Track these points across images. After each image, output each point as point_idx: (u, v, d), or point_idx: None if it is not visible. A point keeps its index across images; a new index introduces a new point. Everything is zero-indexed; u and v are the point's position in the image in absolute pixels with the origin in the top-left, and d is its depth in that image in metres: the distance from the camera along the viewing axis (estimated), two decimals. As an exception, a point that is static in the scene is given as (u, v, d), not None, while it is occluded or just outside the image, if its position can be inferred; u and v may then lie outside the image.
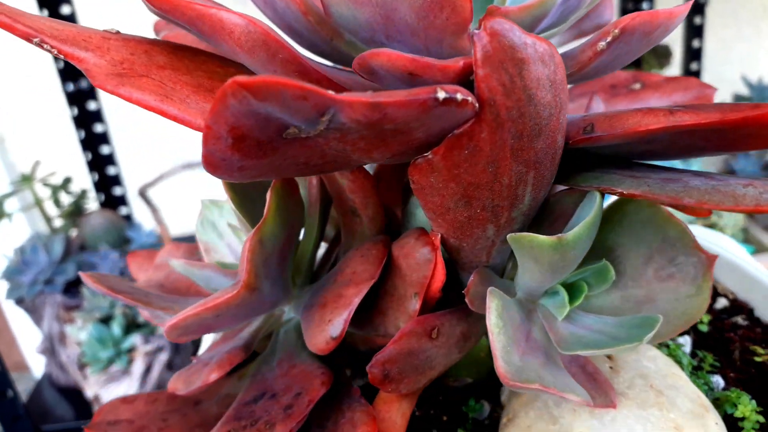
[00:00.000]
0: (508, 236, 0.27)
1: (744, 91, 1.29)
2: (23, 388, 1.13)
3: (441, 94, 0.20)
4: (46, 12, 1.12)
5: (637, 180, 0.27)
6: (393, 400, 0.31)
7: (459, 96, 0.21)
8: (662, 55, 1.11)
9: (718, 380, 0.37)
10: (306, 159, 0.23)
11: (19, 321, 1.48)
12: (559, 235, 0.26)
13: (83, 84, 1.18)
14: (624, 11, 1.26)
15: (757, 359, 0.38)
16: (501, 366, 0.26)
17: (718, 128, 0.23)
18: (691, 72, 1.25)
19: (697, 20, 1.18)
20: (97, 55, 0.24)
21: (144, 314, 0.37)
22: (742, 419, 0.34)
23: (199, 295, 0.37)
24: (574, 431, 0.29)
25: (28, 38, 0.23)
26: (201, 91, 0.24)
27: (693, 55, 1.22)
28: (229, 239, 0.38)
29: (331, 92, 0.18)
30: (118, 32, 0.27)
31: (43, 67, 1.30)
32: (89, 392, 0.99)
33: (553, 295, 0.31)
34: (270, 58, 0.23)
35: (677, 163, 1.03)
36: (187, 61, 0.26)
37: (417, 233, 0.30)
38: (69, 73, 1.15)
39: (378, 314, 0.31)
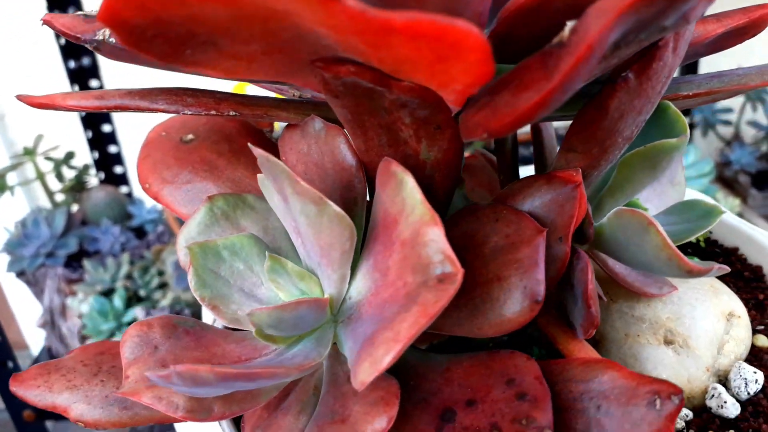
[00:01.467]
0: (627, 156, 0.30)
1: (741, 82, 1.30)
2: (21, 365, 1.13)
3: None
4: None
5: (689, 84, 0.32)
6: (578, 343, 0.31)
7: None
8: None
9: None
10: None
11: (18, 299, 1.48)
12: (679, 136, 0.30)
13: (85, 62, 1.18)
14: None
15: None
16: (629, 278, 0.34)
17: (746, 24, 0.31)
18: (689, 64, 1.26)
19: (697, 10, 1.20)
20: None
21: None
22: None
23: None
24: (662, 318, 0.35)
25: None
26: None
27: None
28: (241, 283, 0.31)
29: None
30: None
31: (45, 44, 1.30)
32: (89, 365, 1.00)
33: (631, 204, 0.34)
34: None
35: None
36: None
37: (542, 178, 0.29)
38: (71, 50, 1.16)
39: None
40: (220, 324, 0.34)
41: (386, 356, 0.21)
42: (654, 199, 0.37)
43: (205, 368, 0.23)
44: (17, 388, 0.32)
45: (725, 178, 1.30)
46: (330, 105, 0.27)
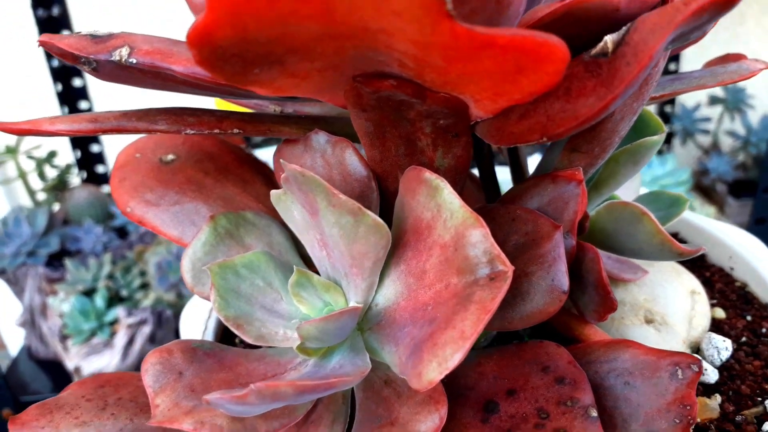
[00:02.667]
0: (617, 152, 0.32)
1: (719, 92, 1.33)
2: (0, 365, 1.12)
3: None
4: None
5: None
6: (588, 326, 0.33)
7: None
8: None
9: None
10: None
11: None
12: (660, 133, 0.33)
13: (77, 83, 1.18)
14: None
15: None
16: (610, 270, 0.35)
17: None
18: (669, 72, 1.28)
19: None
20: None
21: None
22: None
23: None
24: (640, 300, 0.38)
25: None
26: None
27: (670, 57, 1.26)
28: (262, 300, 0.31)
29: None
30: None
31: (28, 43, 1.30)
32: (70, 364, 0.99)
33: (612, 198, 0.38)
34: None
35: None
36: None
37: (548, 178, 0.31)
38: (63, 73, 1.15)
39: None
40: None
41: (455, 354, 0.22)
42: (620, 192, 0.40)
43: (284, 384, 0.23)
44: (18, 429, 0.30)
45: (703, 187, 1.33)
46: (352, 117, 0.28)
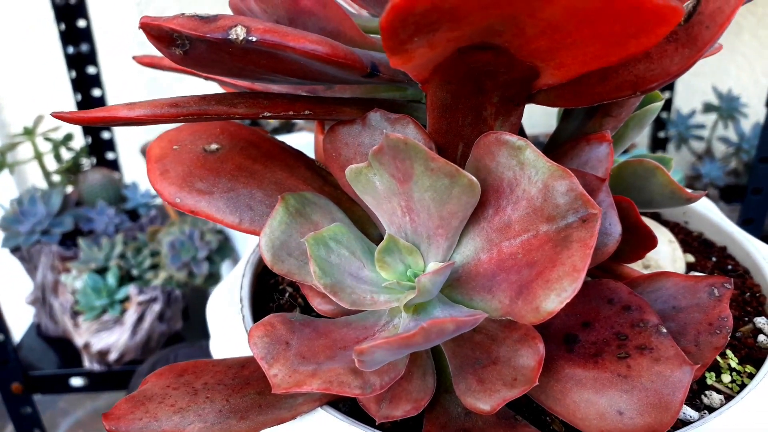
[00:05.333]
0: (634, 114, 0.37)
1: (714, 100, 1.37)
2: None
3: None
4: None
5: None
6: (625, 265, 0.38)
7: None
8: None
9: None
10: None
11: (3, 279, 1.50)
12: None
13: (84, 48, 1.21)
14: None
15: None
16: None
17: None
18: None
19: (675, 30, 1.26)
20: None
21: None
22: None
23: (350, 348, 0.32)
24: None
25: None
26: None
27: (664, 87, 1.30)
28: (349, 268, 0.33)
29: None
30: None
31: (44, 29, 1.33)
32: (79, 340, 1.02)
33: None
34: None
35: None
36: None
37: (584, 139, 0.35)
38: (70, 36, 1.18)
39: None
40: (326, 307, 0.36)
41: (572, 285, 0.26)
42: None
43: (448, 320, 0.26)
44: (115, 425, 0.31)
45: (695, 191, 1.37)
46: (432, 91, 0.30)
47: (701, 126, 1.37)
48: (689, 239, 0.53)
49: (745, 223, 1.05)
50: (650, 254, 0.43)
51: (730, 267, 0.48)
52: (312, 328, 0.33)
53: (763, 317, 0.41)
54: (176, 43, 0.28)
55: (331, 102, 0.34)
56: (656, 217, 0.56)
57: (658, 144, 1.38)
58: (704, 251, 0.51)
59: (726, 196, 1.31)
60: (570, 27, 0.24)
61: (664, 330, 0.30)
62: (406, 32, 0.23)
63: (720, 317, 0.31)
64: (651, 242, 0.35)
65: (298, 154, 0.41)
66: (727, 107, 1.35)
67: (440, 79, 0.30)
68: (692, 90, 1.47)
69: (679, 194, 0.38)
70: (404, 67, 0.27)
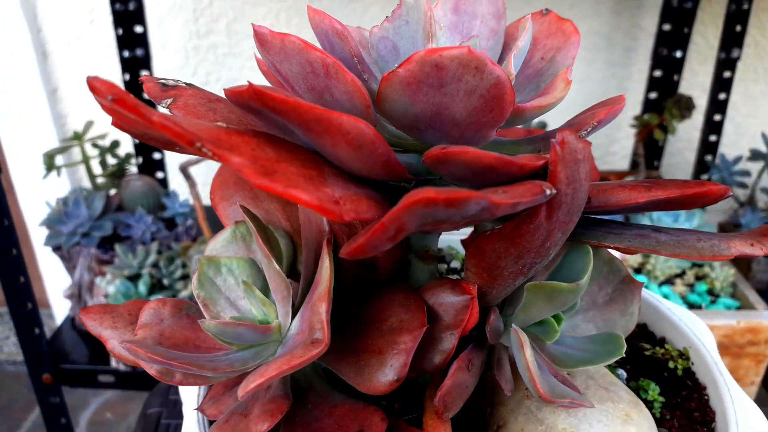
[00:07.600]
0: (530, 285, 0.34)
1: (762, 147, 1.34)
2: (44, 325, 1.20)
3: (548, 191, 0.28)
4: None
5: (618, 236, 0.36)
6: (439, 426, 0.36)
7: (553, 191, 0.28)
8: (685, 106, 1.17)
9: (622, 372, 0.47)
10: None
11: (48, 265, 1.57)
12: (576, 282, 0.34)
13: (138, 52, 1.25)
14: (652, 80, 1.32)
15: (646, 353, 0.50)
16: (542, 388, 0.34)
17: (678, 198, 0.32)
18: (714, 123, 1.30)
19: (727, 74, 1.23)
20: (243, 156, 0.26)
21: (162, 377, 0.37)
22: (652, 402, 0.45)
23: (203, 350, 0.39)
24: (558, 428, 0.37)
25: (191, 144, 0.25)
26: (310, 180, 0.27)
27: (718, 106, 1.27)
28: (228, 293, 0.40)
29: (489, 195, 0.25)
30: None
31: (102, 32, 1.38)
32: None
33: (542, 323, 0.38)
34: (371, 152, 0.28)
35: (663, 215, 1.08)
36: (288, 153, 0.29)
37: (450, 284, 0.36)
38: (126, 40, 1.22)
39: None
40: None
41: (270, 371, 0.30)
42: (598, 321, 0.42)
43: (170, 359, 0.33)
44: (84, 315, 0.42)
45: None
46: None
47: (746, 173, 1.34)
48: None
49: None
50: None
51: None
52: (191, 321, 0.41)
53: None
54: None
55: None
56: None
57: (699, 188, 1.36)
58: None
59: (764, 248, 1.28)
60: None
61: None
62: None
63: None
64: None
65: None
66: (775, 156, 1.32)
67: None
68: (742, 133, 1.44)
69: (533, 386, 0.34)
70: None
